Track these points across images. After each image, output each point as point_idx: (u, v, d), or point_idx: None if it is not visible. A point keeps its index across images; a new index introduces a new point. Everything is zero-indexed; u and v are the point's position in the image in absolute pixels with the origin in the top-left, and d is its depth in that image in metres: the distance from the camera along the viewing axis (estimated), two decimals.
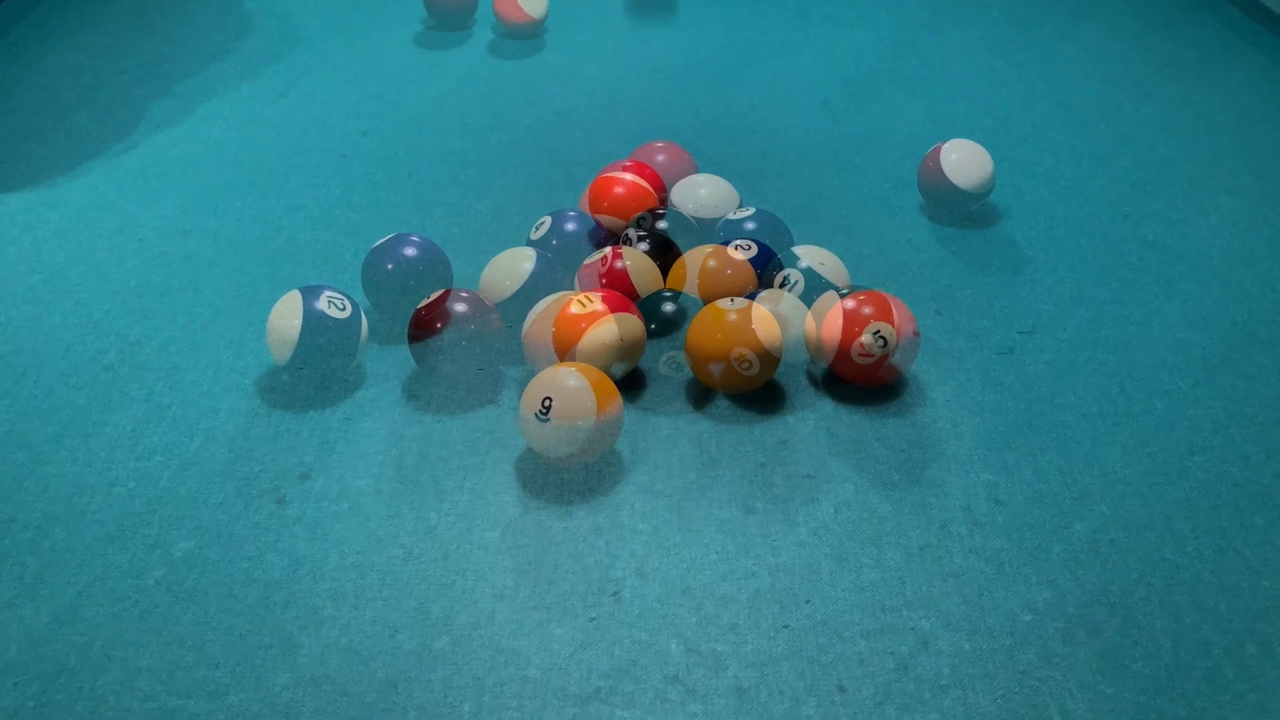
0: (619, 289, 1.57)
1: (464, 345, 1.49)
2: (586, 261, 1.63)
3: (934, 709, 1.12)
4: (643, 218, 1.72)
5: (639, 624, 1.21)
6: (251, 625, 1.20)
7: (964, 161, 1.90)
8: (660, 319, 1.54)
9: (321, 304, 1.50)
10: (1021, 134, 2.27)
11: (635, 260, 1.60)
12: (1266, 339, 1.66)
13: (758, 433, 1.48)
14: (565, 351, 1.48)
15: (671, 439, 1.47)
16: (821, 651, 1.18)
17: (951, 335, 1.66)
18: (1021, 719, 1.11)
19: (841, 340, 1.49)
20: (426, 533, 1.32)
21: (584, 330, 1.47)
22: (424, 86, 2.45)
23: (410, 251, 1.63)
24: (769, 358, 1.48)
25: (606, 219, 1.77)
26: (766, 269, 1.63)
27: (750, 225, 1.71)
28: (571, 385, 1.35)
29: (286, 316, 1.49)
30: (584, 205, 1.83)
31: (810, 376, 1.58)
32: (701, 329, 1.49)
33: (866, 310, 1.48)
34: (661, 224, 1.71)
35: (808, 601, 1.23)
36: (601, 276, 1.59)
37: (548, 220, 1.71)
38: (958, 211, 1.94)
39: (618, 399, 1.39)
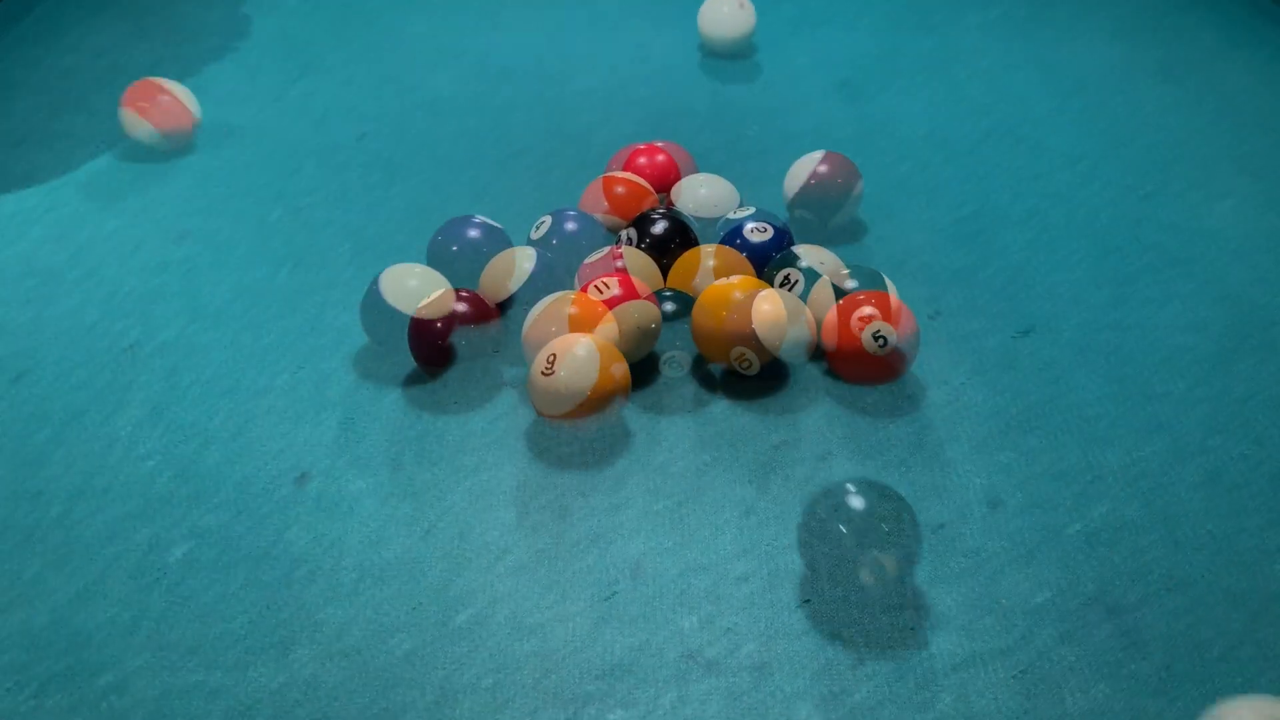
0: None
1: (464, 345, 1.50)
2: (586, 261, 1.62)
3: (953, 684, 1.13)
4: (644, 216, 1.71)
5: (656, 601, 1.22)
6: (275, 600, 1.22)
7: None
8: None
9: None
10: (1041, 114, 2.25)
11: (634, 260, 1.59)
12: None
13: (774, 413, 1.48)
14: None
15: (688, 420, 1.47)
16: (841, 626, 1.19)
17: (970, 316, 1.66)
18: (1039, 696, 1.12)
19: (840, 339, 1.49)
20: (447, 510, 1.33)
21: (600, 316, 1.47)
22: (439, 69, 2.46)
23: (474, 234, 1.63)
24: (766, 350, 1.48)
25: (605, 219, 1.76)
26: (769, 266, 1.63)
27: (750, 225, 1.68)
28: (578, 349, 1.38)
29: (519, 259, 1.56)
30: (589, 199, 1.82)
31: (823, 358, 1.58)
32: (707, 308, 1.49)
33: (864, 311, 1.48)
34: (660, 226, 1.67)
35: (827, 579, 1.24)
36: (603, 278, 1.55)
37: (547, 220, 1.70)
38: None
39: (622, 360, 1.40)
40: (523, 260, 1.59)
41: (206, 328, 1.64)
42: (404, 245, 1.80)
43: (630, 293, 1.50)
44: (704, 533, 1.30)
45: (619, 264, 1.57)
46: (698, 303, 1.51)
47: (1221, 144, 2.15)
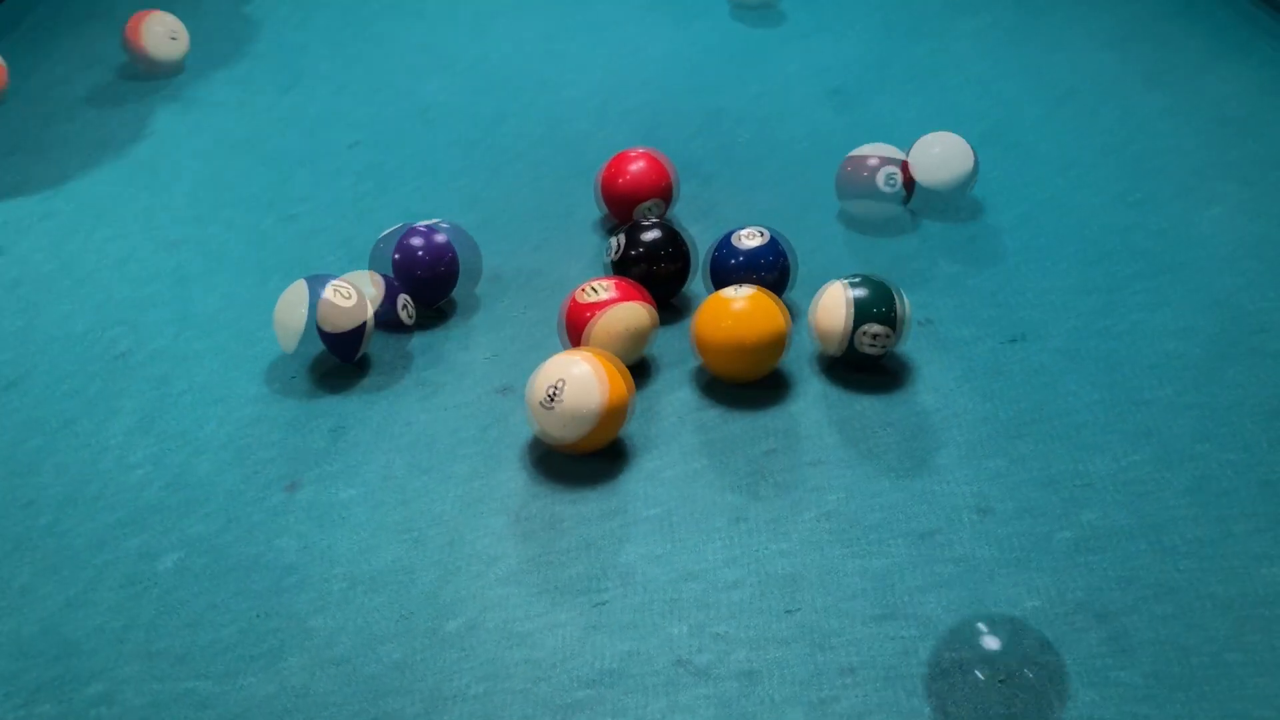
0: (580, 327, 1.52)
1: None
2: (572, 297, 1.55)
3: (941, 691, 1.13)
4: (653, 205, 1.72)
5: (647, 608, 1.22)
6: (264, 608, 1.22)
7: (936, 162, 1.87)
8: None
9: (327, 293, 1.51)
10: (1031, 120, 2.26)
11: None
12: (1276, 324, 1.66)
13: (765, 419, 1.49)
14: (576, 338, 1.49)
15: (680, 425, 1.48)
16: (830, 634, 1.19)
17: (960, 322, 1.67)
18: (1025, 704, 1.12)
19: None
20: (438, 518, 1.34)
21: (592, 317, 1.48)
22: (432, 76, 2.46)
23: (417, 240, 1.64)
24: (780, 345, 1.49)
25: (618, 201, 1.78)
26: (779, 263, 1.63)
27: (744, 230, 1.67)
28: (580, 371, 1.36)
29: (293, 306, 1.50)
30: (601, 180, 1.84)
31: (817, 364, 1.59)
32: (708, 318, 1.50)
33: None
34: (650, 235, 1.65)
35: (817, 585, 1.24)
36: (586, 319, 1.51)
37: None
38: (944, 203, 1.91)
39: (626, 384, 1.40)
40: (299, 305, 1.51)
41: (197, 336, 1.64)
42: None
43: (624, 295, 1.51)
44: (694, 540, 1.31)
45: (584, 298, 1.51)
46: (699, 311, 1.51)
47: (1210, 150, 2.16)
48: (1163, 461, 1.42)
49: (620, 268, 1.64)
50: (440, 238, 1.66)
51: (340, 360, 1.55)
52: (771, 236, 1.65)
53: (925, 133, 2.03)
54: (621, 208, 1.83)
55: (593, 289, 1.51)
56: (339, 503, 1.36)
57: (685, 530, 1.32)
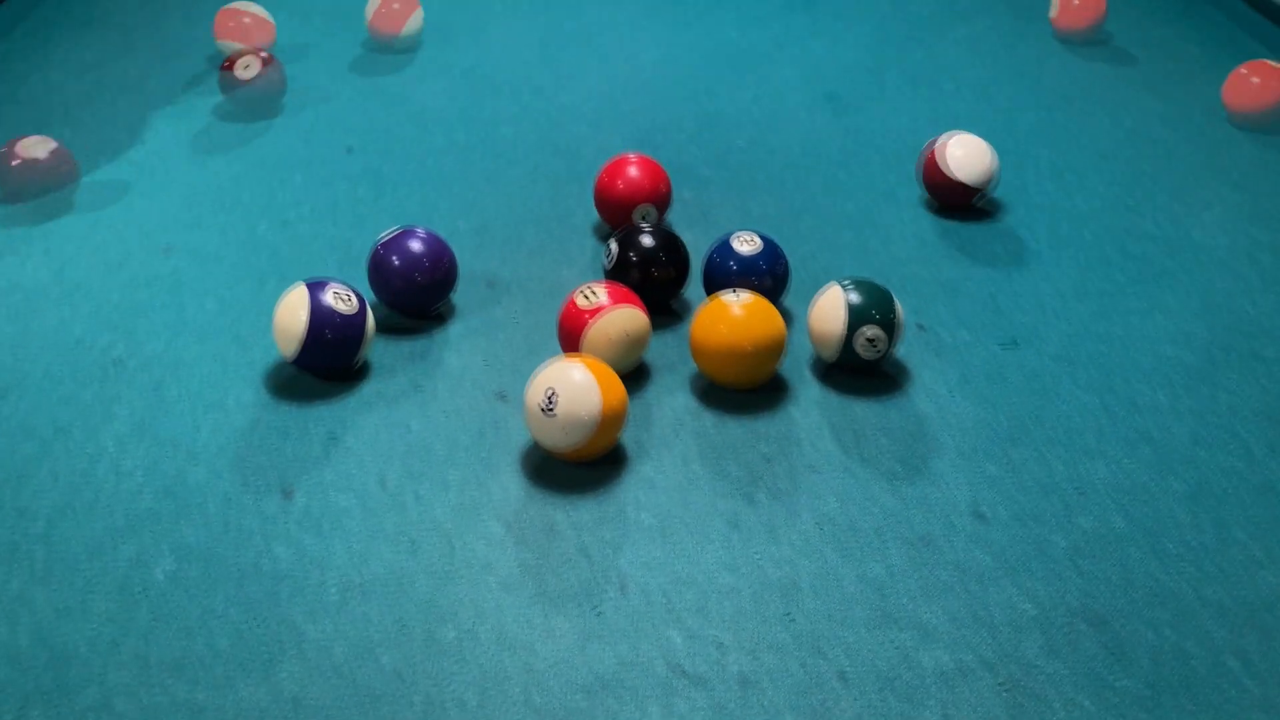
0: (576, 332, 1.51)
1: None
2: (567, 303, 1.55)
3: (938, 698, 1.13)
4: (649, 211, 1.72)
5: (643, 615, 1.22)
6: (259, 616, 1.21)
7: (968, 155, 1.90)
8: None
9: (328, 298, 1.50)
10: (1027, 126, 2.27)
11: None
12: (1271, 329, 1.66)
13: (762, 425, 1.48)
14: (571, 344, 1.49)
15: (676, 431, 1.47)
16: (826, 641, 1.19)
17: (957, 327, 1.67)
18: (1025, 710, 1.12)
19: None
20: (434, 525, 1.33)
21: (588, 323, 1.48)
22: (428, 81, 2.46)
23: (415, 244, 1.63)
24: (778, 350, 1.49)
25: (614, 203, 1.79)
26: (776, 266, 1.63)
27: (739, 235, 1.67)
28: (577, 379, 1.36)
29: (293, 311, 1.50)
30: (598, 185, 1.84)
31: (814, 369, 1.58)
32: (706, 323, 1.50)
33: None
34: (647, 240, 1.65)
35: (813, 592, 1.24)
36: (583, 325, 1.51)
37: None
38: (962, 205, 1.94)
39: (623, 392, 1.39)
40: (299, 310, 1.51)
41: (192, 342, 1.63)
42: None
43: (618, 299, 1.50)
44: (690, 546, 1.30)
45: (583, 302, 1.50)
46: (698, 316, 1.51)
47: (1205, 155, 2.17)
48: (1160, 467, 1.42)
49: (616, 273, 1.64)
50: (438, 243, 1.65)
51: (339, 367, 1.55)
52: (767, 242, 1.65)
53: (920, 139, 2.03)
54: (617, 213, 1.83)
55: (589, 294, 1.50)
56: (334, 510, 1.35)
57: (682, 537, 1.32)
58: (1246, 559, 1.29)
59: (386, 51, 2.60)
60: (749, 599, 1.24)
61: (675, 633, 1.20)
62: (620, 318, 1.49)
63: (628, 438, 1.45)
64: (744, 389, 1.54)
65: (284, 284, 1.58)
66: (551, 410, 1.35)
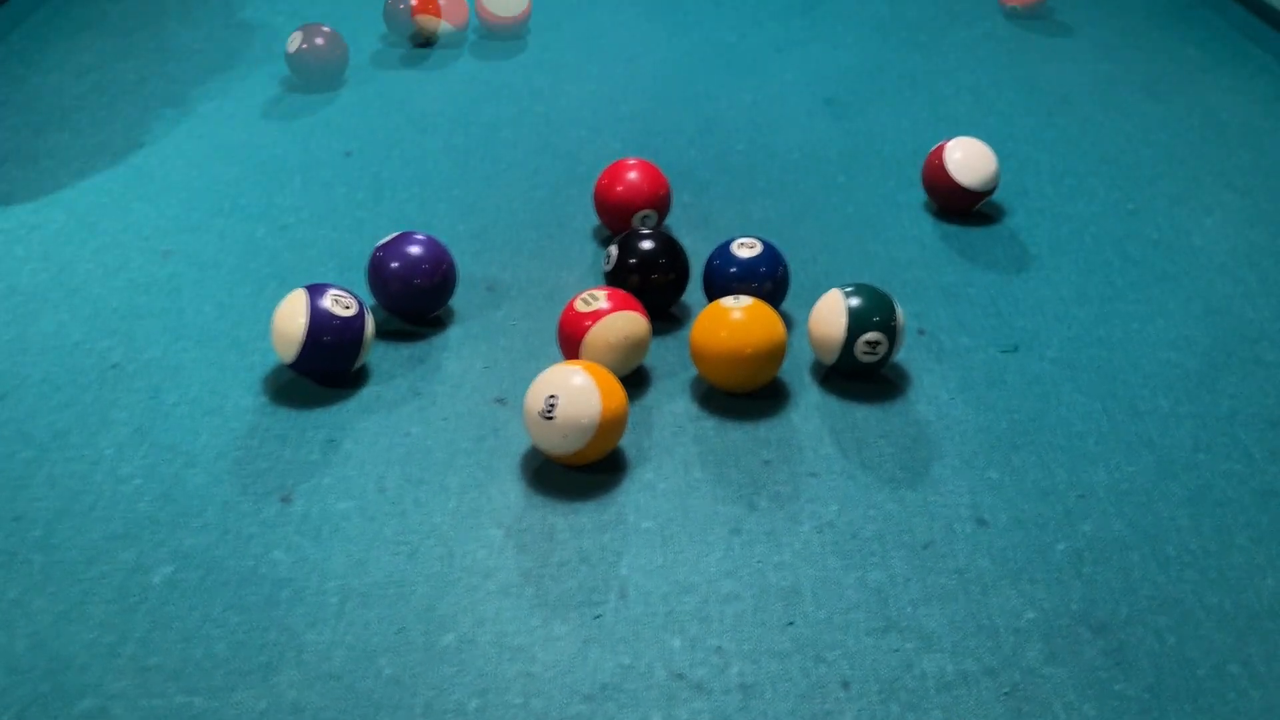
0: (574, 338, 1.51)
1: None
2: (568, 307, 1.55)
3: (940, 705, 1.12)
4: (648, 215, 1.72)
5: (644, 621, 1.21)
6: (258, 622, 1.21)
7: (968, 159, 1.90)
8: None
9: (326, 302, 1.50)
10: (1027, 130, 2.27)
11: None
12: (1272, 333, 1.66)
13: (763, 430, 1.48)
14: (572, 349, 1.49)
15: (677, 436, 1.47)
16: (828, 647, 1.18)
17: (958, 332, 1.67)
18: (1027, 717, 1.12)
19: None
20: (433, 530, 1.33)
21: (589, 327, 1.47)
22: (428, 85, 2.46)
23: (414, 249, 1.63)
24: (779, 354, 1.49)
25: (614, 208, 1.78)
26: (775, 271, 1.63)
27: (738, 240, 1.66)
28: (577, 383, 1.35)
29: (292, 315, 1.50)
30: (598, 189, 1.84)
31: (815, 375, 1.58)
32: (707, 328, 1.49)
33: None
34: (647, 244, 1.64)
35: (814, 598, 1.24)
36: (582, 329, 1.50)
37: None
38: (963, 209, 1.94)
39: (623, 397, 1.39)
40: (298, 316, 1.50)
41: (190, 347, 1.63)
42: None
43: (618, 304, 1.50)
44: (691, 552, 1.30)
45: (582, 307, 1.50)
46: (697, 321, 1.51)
47: (1205, 159, 2.17)
48: (1161, 472, 1.41)
49: (616, 277, 1.63)
50: (438, 247, 1.65)
51: (338, 371, 1.54)
52: (766, 246, 1.65)
53: (919, 142, 2.03)
54: (617, 218, 1.83)
55: (589, 298, 1.50)
56: (333, 515, 1.35)
57: (682, 542, 1.31)
58: (1248, 564, 1.28)
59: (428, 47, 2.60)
60: (750, 605, 1.23)
61: (676, 639, 1.19)
62: (620, 322, 1.48)
63: (628, 443, 1.45)
64: (744, 394, 1.53)
65: (283, 288, 1.58)
66: (551, 415, 1.34)
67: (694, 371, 1.56)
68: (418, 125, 2.28)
